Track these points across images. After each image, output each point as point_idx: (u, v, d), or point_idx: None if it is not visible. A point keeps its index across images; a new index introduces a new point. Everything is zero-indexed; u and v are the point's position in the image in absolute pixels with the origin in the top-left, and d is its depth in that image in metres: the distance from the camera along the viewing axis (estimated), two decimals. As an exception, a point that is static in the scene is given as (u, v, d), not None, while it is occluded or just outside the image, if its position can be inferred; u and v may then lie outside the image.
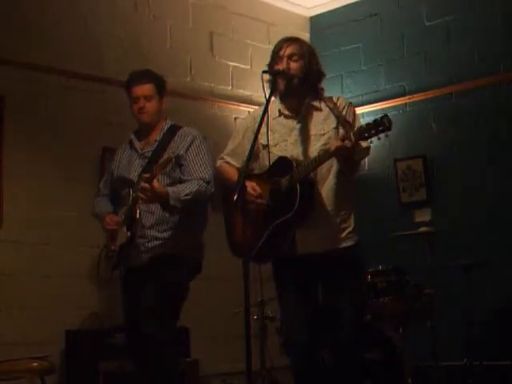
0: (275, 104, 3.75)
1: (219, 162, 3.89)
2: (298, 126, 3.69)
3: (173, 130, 4.17)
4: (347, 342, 3.59)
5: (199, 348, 5.30)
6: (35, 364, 4.15)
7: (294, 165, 3.52)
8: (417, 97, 6.33)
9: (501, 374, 5.37)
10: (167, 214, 4.01)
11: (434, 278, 5.14)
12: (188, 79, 6.10)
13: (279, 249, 3.62)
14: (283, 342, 5.17)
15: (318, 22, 7.04)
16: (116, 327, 4.79)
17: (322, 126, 3.66)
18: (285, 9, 6.85)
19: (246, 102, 6.37)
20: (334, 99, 3.72)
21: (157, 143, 4.15)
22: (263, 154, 3.72)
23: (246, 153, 3.53)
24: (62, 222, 5.20)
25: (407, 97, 6.38)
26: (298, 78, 3.64)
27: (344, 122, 3.55)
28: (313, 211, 3.55)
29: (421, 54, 6.35)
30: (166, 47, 5.99)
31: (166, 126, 4.20)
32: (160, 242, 4.04)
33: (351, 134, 3.38)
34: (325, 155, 3.47)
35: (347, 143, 3.36)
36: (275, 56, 3.68)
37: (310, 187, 3.56)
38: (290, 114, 3.72)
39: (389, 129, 3.28)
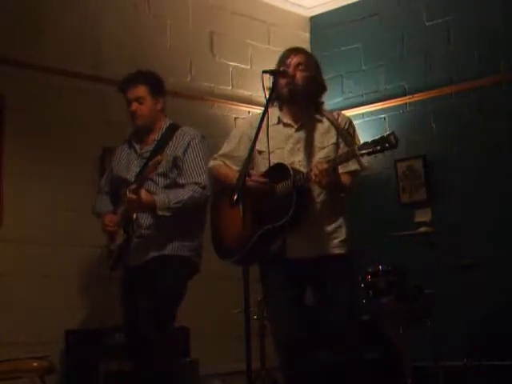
0: (274, 111, 3.76)
1: (213, 163, 3.87)
2: (296, 134, 3.72)
3: (172, 130, 4.16)
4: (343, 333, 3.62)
5: (199, 348, 5.29)
6: (35, 364, 4.16)
7: (291, 172, 3.55)
8: (417, 97, 6.32)
9: (501, 374, 5.37)
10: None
11: (433, 278, 5.14)
12: (188, 79, 6.10)
13: (267, 252, 3.65)
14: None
15: (317, 22, 7.04)
16: (116, 327, 4.78)
17: (322, 138, 3.70)
18: (285, 9, 6.84)
19: (246, 102, 6.36)
20: (335, 114, 3.76)
21: (155, 143, 4.14)
22: (258, 159, 3.74)
23: (242, 158, 3.65)
24: (62, 222, 5.19)
25: (407, 97, 6.37)
26: (302, 86, 3.67)
27: (346, 134, 3.61)
28: (305, 219, 3.57)
29: (421, 53, 6.35)
30: (166, 47, 5.99)
31: (164, 125, 4.19)
32: (156, 242, 4.04)
33: (355, 147, 3.42)
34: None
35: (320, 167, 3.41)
36: (281, 64, 3.72)
37: (306, 195, 3.58)
38: (288, 123, 3.75)
39: (394, 146, 3.28)
